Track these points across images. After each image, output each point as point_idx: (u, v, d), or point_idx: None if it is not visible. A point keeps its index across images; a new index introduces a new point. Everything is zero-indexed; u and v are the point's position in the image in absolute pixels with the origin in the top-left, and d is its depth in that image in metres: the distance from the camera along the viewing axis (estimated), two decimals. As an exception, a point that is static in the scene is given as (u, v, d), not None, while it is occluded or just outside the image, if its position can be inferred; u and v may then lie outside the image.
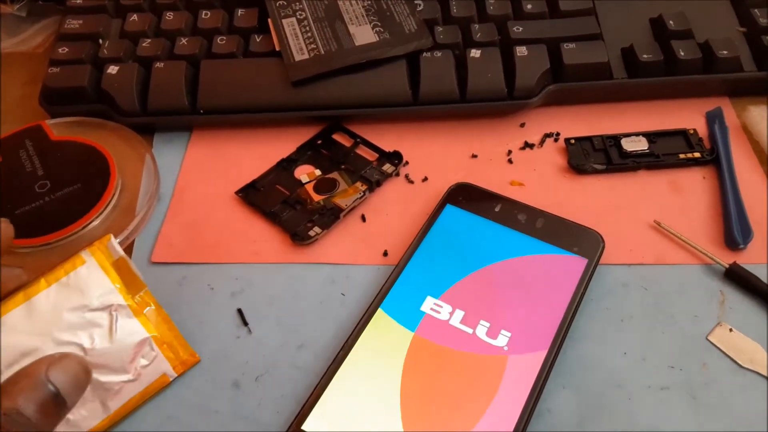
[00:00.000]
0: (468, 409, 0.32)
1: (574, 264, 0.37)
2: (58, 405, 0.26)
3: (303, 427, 0.31)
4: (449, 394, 0.32)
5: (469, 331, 0.35)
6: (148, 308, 0.35)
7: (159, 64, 0.46)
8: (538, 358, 0.34)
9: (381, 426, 0.31)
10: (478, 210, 0.40)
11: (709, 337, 0.36)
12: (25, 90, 0.50)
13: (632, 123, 0.46)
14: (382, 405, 0.32)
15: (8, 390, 0.25)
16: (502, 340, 0.34)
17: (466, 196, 0.41)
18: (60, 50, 0.48)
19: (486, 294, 0.36)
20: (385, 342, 0.34)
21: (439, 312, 0.35)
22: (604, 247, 0.38)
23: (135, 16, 0.49)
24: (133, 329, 0.34)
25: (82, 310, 0.34)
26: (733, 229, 0.39)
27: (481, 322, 0.35)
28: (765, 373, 0.34)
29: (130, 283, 0.35)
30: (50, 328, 0.33)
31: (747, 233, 0.39)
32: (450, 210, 0.40)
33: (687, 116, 0.46)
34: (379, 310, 0.36)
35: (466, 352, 0.34)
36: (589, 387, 0.34)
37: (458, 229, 0.39)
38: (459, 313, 0.35)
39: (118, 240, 0.39)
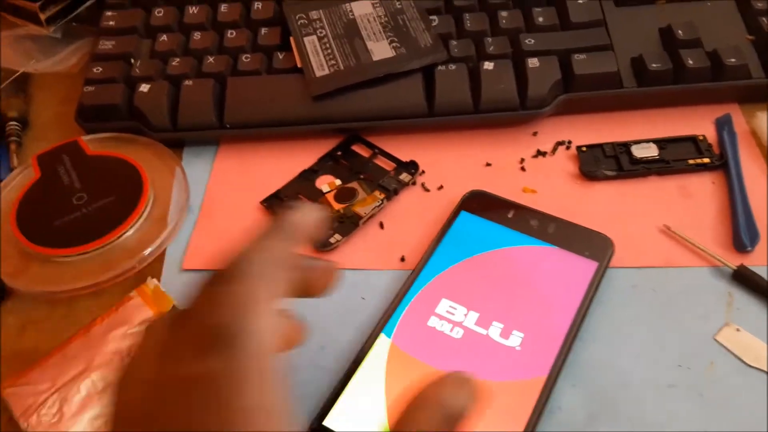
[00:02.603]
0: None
1: (585, 267, 0.39)
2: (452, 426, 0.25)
3: (324, 423, 0.33)
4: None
5: (483, 331, 0.36)
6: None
7: (188, 82, 0.49)
8: (550, 357, 0.35)
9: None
10: (492, 216, 0.42)
11: (716, 337, 0.37)
12: (60, 108, 0.53)
13: (643, 130, 0.47)
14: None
15: (411, 415, 0.25)
16: (514, 340, 0.36)
17: (480, 203, 0.43)
18: (94, 70, 0.50)
19: (499, 296, 0.38)
20: (402, 343, 0.36)
21: (453, 314, 0.37)
22: (614, 251, 0.39)
23: (165, 37, 0.52)
24: None
25: (125, 331, 0.38)
26: (741, 231, 0.40)
27: (494, 323, 0.37)
28: (771, 371, 0.35)
29: (161, 302, 0.39)
30: (99, 345, 0.37)
31: (754, 236, 0.40)
32: (464, 216, 0.42)
33: (697, 123, 0.47)
34: (395, 314, 0.37)
35: (481, 353, 0.36)
36: (599, 385, 0.36)
37: (472, 235, 0.41)
38: (473, 315, 0.37)
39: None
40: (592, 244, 0.40)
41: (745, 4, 0.50)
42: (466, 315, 0.37)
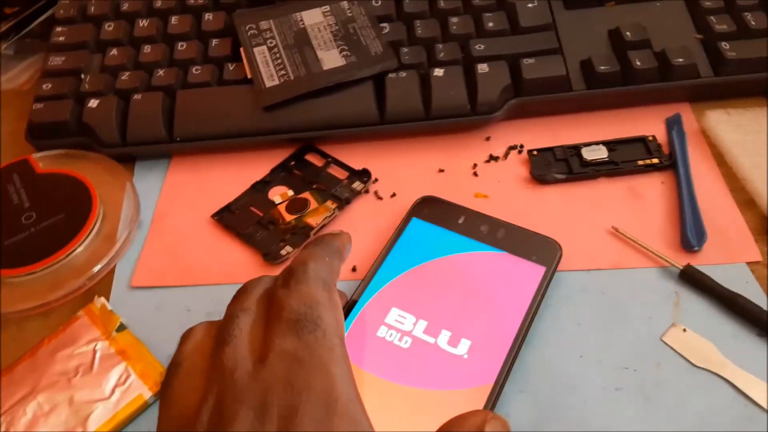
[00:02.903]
0: (430, 414, 0.33)
1: (533, 271, 0.39)
2: None
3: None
4: (409, 401, 0.34)
5: (432, 340, 0.36)
6: (123, 339, 0.38)
7: (137, 96, 0.49)
8: (497, 364, 0.35)
9: None
10: (443, 222, 0.42)
11: (663, 338, 0.37)
12: (13, 126, 0.52)
13: (595, 132, 0.47)
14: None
15: None
16: (462, 348, 0.36)
17: (431, 210, 0.43)
18: (44, 86, 0.50)
19: (448, 303, 0.38)
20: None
21: (402, 323, 0.37)
22: (561, 255, 0.39)
23: (115, 51, 0.52)
24: (111, 359, 0.38)
25: (72, 351, 0.38)
26: (688, 231, 0.41)
27: (443, 331, 0.37)
28: (718, 372, 0.35)
29: (108, 320, 0.39)
30: (45, 366, 0.37)
31: (701, 235, 0.40)
32: (415, 223, 0.42)
33: (649, 123, 0.48)
34: (347, 323, 0.37)
35: (429, 362, 0.35)
36: (546, 390, 0.36)
37: (423, 242, 0.41)
38: (422, 324, 0.37)
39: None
40: (540, 249, 0.40)
41: (694, 3, 0.51)
42: (415, 324, 0.37)
